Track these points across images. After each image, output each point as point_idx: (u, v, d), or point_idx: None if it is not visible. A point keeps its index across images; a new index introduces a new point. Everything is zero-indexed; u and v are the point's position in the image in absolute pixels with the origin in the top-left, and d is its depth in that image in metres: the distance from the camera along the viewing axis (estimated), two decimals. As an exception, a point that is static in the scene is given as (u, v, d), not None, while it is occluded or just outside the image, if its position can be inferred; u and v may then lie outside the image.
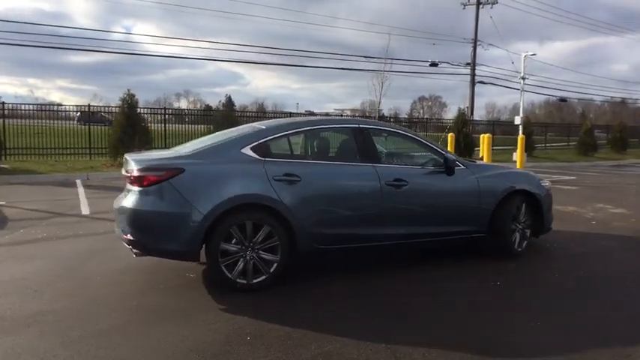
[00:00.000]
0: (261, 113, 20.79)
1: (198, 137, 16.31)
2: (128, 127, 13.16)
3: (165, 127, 16.60)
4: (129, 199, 3.96)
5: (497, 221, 4.96)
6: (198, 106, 63.29)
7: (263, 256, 4.00)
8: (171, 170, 3.87)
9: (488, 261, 4.98)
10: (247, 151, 4.13)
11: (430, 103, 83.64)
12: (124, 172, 4.25)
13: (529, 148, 19.82)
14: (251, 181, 4.02)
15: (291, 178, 4.11)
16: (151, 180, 3.85)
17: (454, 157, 4.88)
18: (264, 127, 4.49)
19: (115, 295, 3.89)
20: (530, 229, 5.33)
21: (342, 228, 4.32)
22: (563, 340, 3.22)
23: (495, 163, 6.52)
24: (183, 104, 71.20)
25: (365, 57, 22.84)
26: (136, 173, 3.92)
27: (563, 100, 30.34)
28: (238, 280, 3.93)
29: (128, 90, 13.56)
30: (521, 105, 21.45)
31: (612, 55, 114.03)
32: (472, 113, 25.09)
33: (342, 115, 27.30)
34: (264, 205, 3.99)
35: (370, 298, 3.92)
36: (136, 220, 3.90)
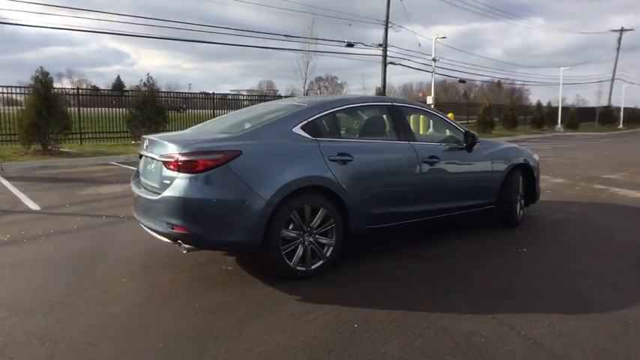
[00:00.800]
0: (193, 94, 19.35)
1: (118, 120, 15.48)
2: (44, 109, 11.60)
3: (79, 110, 14.92)
4: (177, 188, 3.49)
5: (506, 193, 5.31)
6: (84, 86, 57.73)
7: (320, 240, 3.85)
8: (230, 153, 3.51)
9: (494, 231, 5.32)
10: (299, 130, 3.90)
11: (327, 83, 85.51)
12: (154, 155, 3.80)
13: (442, 127, 21.22)
14: (309, 162, 3.82)
15: (344, 157, 3.97)
16: (208, 164, 3.45)
17: (474, 134, 5.08)
18: (305, 104, 4.26)
19: (166, 297, 3.45)
20: (525, 199, 5.79)
21: (390, 206, 4.30)
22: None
23: (496, 139, 6.91)
24: (66, 85, 64.36)
25: (260, 34, 22.51)
26: (185, 157, 3.49)
27: (462, 81, 32.79)
28: (298, 268, 3.75)
29: (41, 68, 11.91)
30: (432, 86, 22.80)
31: (490, 40, 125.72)
32: (384, 94, 26.06)
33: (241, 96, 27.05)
34: (322, 187, 3.82)
35: (429, 273, 3.98)
36: (191, 210, 3.47)
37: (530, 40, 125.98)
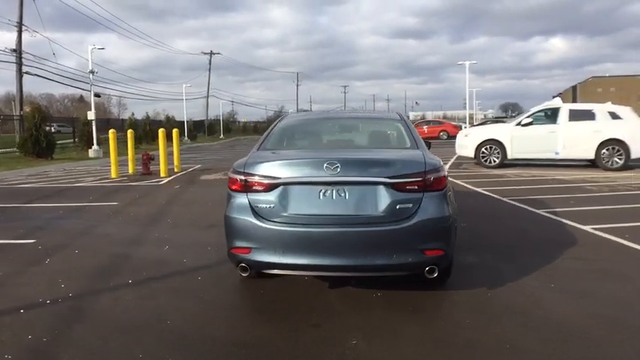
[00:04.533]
0: None
1: None
2: None
3: None
4: (428, 209, 3.31)
5: None
6: None
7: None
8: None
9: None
10: None
11: None
12: (360, 178, 3.35)
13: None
14: None
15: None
16: (446, 181, 3.50)
17: None
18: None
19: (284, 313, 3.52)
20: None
21: None
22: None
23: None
24: None
25: None
26: (434, 175, 3.38)
27: (97, 95, 32.34)
28: None
29: None
30: (92, 101, 22.69)
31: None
32: (22, 107, 23.49)
33: None
34: None
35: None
36: (447, 229, 3.40)
37: (109, 56, 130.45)
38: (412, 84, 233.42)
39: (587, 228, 6.02)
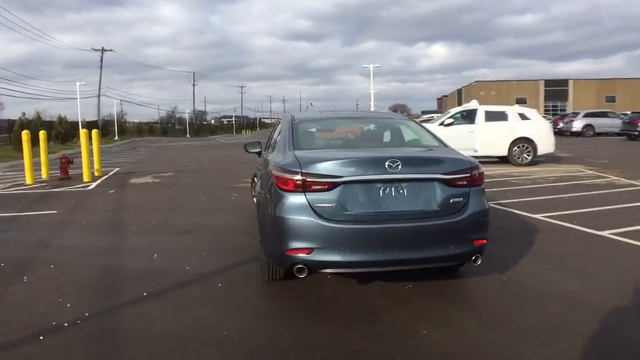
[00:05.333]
0: None
1: None
2: None
3: None
4: (476, 202, 3.59)
5: None
6: None
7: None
8: None
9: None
10: None
11: None
12: (416, 175, 3.52)
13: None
14: None
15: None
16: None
17: None
18: None
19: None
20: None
21: None
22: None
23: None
24: None
25: None
26: (477, 171, 3.67)
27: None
28: None
29: None
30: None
31: None
32: None
33: None
34: None
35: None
36: (488, 219, 3.73)
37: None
38: (305, 85, 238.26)
39: (539, 216, 6.73)
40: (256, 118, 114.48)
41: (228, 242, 5.66)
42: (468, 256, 3.60)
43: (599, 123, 29.63)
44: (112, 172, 13.99)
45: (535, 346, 2.99)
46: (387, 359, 2.88)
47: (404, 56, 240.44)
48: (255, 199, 6.54)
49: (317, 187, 3.42)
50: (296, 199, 3.45)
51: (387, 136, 4.74)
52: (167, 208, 8.00)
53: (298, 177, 3.45)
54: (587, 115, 30.38)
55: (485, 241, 3.65)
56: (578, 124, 28.81)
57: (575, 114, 31.43)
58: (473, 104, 15.07)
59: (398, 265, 3.59)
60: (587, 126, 29.36)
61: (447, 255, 3.53)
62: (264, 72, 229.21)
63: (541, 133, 13.75)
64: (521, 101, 61.23)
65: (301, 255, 3.41)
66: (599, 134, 29.20)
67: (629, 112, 30.49)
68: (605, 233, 5.72)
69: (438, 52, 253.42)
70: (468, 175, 3.60)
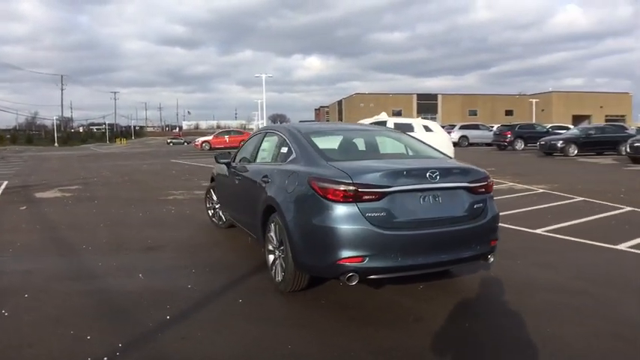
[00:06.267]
0: None
1: None
2: None
3: None
4: (492, 208, 4.03)
5: None
6: None
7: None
8: None
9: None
10: None
11: None
12: (448, 184, 3.81)
13: None
14: None
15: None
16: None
17: None
18: None
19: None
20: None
21: None
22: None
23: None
24: None
25: None
26: (490, 180, 4.09)
27: None
28: None
29: None
30: None
31: None
32: None
33: None
34: None
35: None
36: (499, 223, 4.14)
37: None
38: (181, 92, 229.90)
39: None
40: (130, 126, 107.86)
41: (207, 257, 5.42)
42: (486, 255, 3.99)
43: (473, 134, 33.40)
44: (2, 186, 12.26)
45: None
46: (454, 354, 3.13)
47: (280, 67, 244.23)
48: (223, 213, 6.33)
49: (368, 197, 3.55)
50: (347, 209, 3.54)
51: (400, 148, 5.00)
52: (106, 224, 7.34)
53: (350, 187, 3.54)
54: (462, 127, 34.06)
55: (496, 241, 4.08)
56: (455, 135, 32.03)
57: (452, 126, 34.96)
58: (382, 116, 16.10)
59: (438, 267, 3.89)
60: (463, 137, 32.88)
61: (473, 255, 3.90)
62: (137, 77, 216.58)
63: (443, 143, 15.13)
64: (397, 113, 66.27)
65: (353, 263, 3.51)
66: (472, 144, 32.86)
67: (494, 126, 34.75)
68: (539, 231, 6.62)
69: (314, 64, 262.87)
70: (485, 183, 4.03)
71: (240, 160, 5.97)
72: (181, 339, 3.34)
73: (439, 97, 76.02)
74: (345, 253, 3.51)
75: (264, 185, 4.55)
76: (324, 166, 3.91)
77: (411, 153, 4.87)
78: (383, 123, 15.11)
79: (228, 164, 6.11)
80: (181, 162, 22.39)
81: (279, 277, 4.22)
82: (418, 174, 3.76)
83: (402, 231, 3.61)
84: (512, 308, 3.86)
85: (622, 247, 5.77)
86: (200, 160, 23.06)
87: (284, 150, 4.70)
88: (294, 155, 4.41)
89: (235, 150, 6.55)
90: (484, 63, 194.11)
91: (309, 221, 3.70)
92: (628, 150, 17.89)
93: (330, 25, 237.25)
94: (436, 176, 3.75)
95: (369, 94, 76.28)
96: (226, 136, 36.54)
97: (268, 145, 5.35)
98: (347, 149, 4.82)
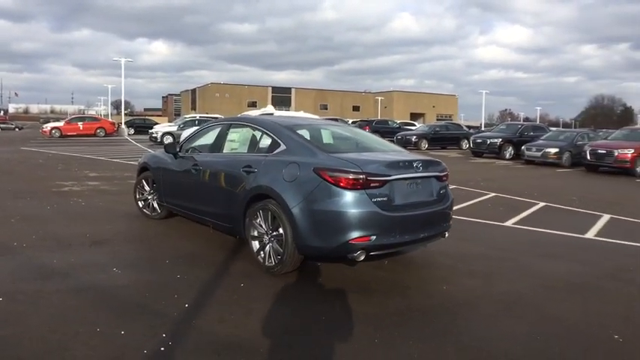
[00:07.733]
0: None
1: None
2: None
3: None
4: (450, 194, 4.88)
5: None
6: None
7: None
8: None
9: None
10: None
11: None
12: (428, 173, 4.56)
13: None
14: None
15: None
16: None
17: None
18: None
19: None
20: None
21: None
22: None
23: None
24: None
25: None
26: (448, 171, 4.92)
27: None
28: None
29: None
30: None
31: None
32: None
33: None
34: None
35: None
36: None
37: None
38: (5, 71, 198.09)
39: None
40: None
41: (171, 248, 5.39)
42: (444, 233, 4.82)
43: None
44: None
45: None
46: (443, 309, 3.93)
47: (123, 50, 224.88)
48: (160, 204, 6.18)
49: (374, 184, 4.15)
50: (358, 195, 4.10)
51: (373, 142, 5.50)
52: (16, 219, 6.58)
53: (361, 176, 4.10)
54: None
55: (451, 222, 4.97)
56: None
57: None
58: (269, 109, 16.61)
59: (423, 241, 4.68)
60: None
61: (440, 232, 4.75)
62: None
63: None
64: (252, 105, 66.77)
65: (363, 242, 4.09)
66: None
67: (349, 120, 37.51)
68: (508, 224, 7.35)
69: (159, 49, 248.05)
70: (446, 173, 4.89)
71: (189, 150, 6.00)
72: (220, 321, 3.54)
73: (293, 91, 78.57)
74: (356, 234, 4.07)
75: (247, 175, 4.80)
76: (328, 157, 4.40)
77: (382, 147, 5.44)
78: (271, 115, 15.68)
79: (175, 154, 6.09)
80: (37, 150, 19.85)
81: (271, 261, 4.56)
82: (409, 165, 4.50)
83: (399, 212, 4.27)
84: (468, 272, 4.84)
85: (508, 224, 7.34)
86: (59, 147, 20.79)
87: (266, 142, 4.98)
88: (283, 147, 4.73)
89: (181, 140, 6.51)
90: (329, 60, 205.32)
91: (319, 207, 4.15)
92: (471, 145, 21.32)
93: (177, 10, 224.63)
94: (420, 167, 4.51)
95: (224, 84, 75.28)
96: (80, 123, 33.10)
97: (239, 136, 5.52)
98: (338, 143, 5.36)
